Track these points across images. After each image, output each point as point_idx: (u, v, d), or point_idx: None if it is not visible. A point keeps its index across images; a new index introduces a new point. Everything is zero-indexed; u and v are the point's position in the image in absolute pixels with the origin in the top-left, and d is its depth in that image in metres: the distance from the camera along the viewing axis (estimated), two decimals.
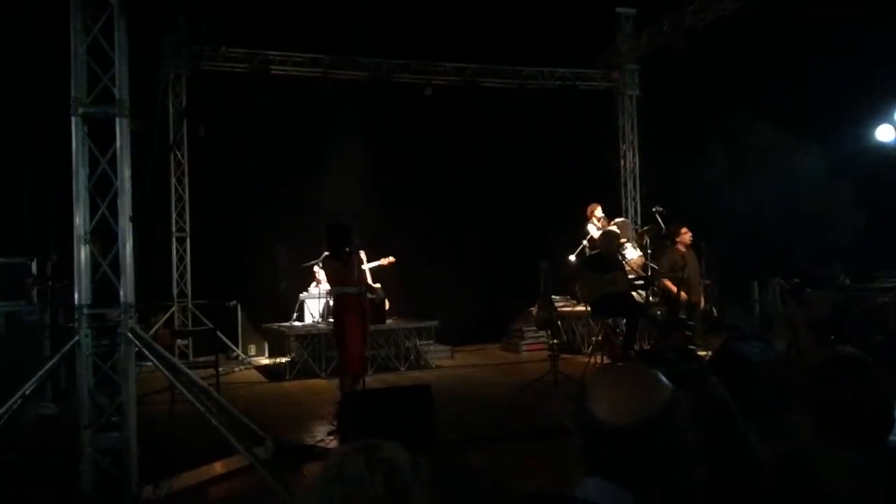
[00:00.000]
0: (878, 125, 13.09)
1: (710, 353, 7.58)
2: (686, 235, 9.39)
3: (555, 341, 8.48)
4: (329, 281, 7.56)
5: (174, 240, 10.97)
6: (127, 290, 4.44)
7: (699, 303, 9.31)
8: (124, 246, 4.48)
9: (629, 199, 12.75)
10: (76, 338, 4.37)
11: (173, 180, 10.95)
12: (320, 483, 1.32)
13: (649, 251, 9.73)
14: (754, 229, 16.50)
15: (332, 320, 7.53)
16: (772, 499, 1.91)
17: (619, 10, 12.48)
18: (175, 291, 10.87)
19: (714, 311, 9.47)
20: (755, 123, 17.86)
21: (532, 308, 10.43)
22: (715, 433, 1.63)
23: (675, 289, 8.81)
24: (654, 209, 9.90)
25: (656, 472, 1.31)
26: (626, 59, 12.56)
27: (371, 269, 9.48)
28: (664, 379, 1.38)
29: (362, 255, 9.01)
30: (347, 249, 6.96)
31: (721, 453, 1.69)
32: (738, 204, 17.07)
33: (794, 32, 14.47)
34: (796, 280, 10.10)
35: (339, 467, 1.31)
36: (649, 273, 9.26)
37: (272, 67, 11.12)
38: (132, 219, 4.54)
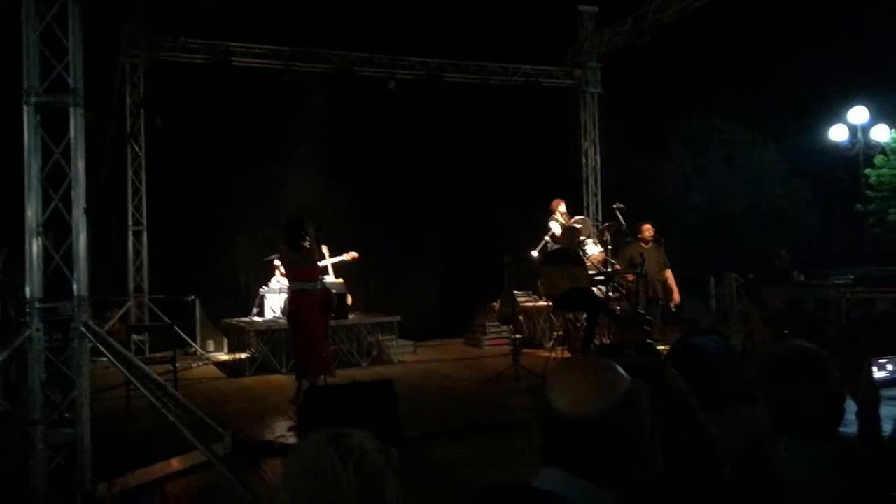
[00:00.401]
0: (831, 125, 13.44)
1: (667, 347, 7.70)
2: (647, 231, 9.52)
3: (517, 336, 8.53)
4: (286, 276, 7.50)
5: (130, 233, 10.73)
6: (80, 284, 4.32)
7: (657, 298, 9.44)
8: (78, 238, 4.36)
9: (590, 196, 12.87)
10: (27, 332, 4.25)
11: (130, 172, 10.71)
12: (293, 473, 1.32)
13: (610, 247, 9.85)
14: (711, 226, 16.86)
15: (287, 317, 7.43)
16: (731, 490, 1.95)
17: (581, 7, 12.59)
18: (131, 286, 10.64)
19: (672, 306, 9.61)
20: (714, 122, 18.23)
21: (494, 303, 10.48)
22: (674, 425, 1.65)
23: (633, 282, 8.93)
24: (614, 206, 10.01)
25: (614, 463, 1.32)
26: (588, 56, 12.67)
27: (334, 264, 9.42)
28: (623, 371, 1.40)
29: (325, 249, 8.97)
30: (305, 244, 6.94)
31: (681, 445, 1.72)
32: (695, 201, 17.42)
33: (751, 34, 14.79)
34: (751, 276, 10.30)
35: (311, 456, 1.31)
36: (609, 269, 9.37)
37: (233, 59, 10.96)
38: (86, 211, 4.42)
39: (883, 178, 15.55)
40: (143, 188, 10.81)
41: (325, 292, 7.25)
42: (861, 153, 13.03)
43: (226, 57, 10.89)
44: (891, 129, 14.60)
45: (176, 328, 9.35)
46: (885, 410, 2.78)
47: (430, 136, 11.95)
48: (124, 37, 10.05)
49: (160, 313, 10.52)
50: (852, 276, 10.13)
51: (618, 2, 11.94)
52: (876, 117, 13.13)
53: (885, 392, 2.73)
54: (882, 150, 14.86)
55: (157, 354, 9.33)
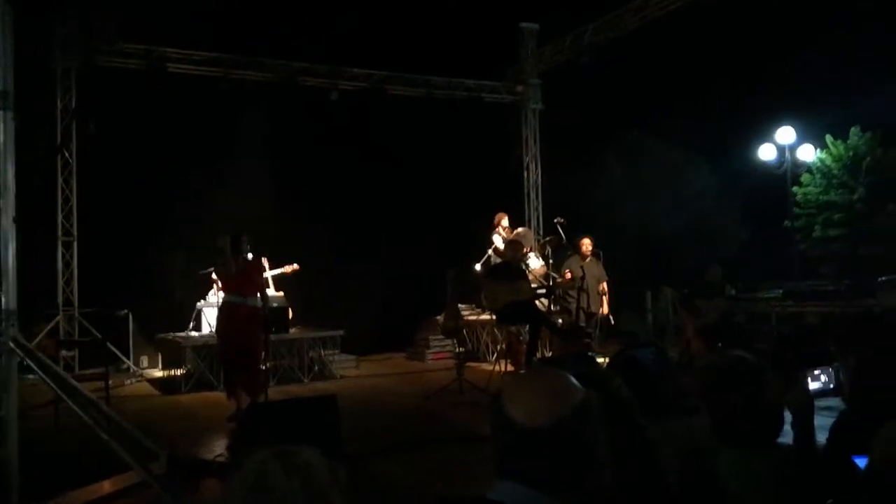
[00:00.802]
0: (760, 145, 13.99)
1: (607, 359, 7.84)
2: (585, 246, 9.66)
3: (460, 350, 8.54)
4: (223, 288, 7.32)
5: (60, 244, 10.32)
6: (9, 297, 4.14)
7: (598, 312, 9.60)
8: (7, 249, 4.17)
9: (532, 210, 13.04)
10: None
11: (60, 181, 10.31)
12: (236, 491, 1.28)
13: (551, 261, 9.98)
14: (646, 241, 17.28)
15: (227, 331, 7.16)
16: (676, 500, 1.98)
17: (522, 24, 12.80)
18: (60, 299, 10.21)
19: (611, 319, 9.79)
20: (648, 141, 18.75)
21: (438, 317, 10.47)
22: (621, 434, 1.67)
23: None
24: (555, 220, 10.15)
25: (569, 473, 1.33)
26: (529, 73, 12.87)
27: (274, 277, 9.25)
28: (576, 381, 1.41)
29: (264, 261, 8.81)
30: (240, 258, 6.86)
31: (627, 454, 1.74)
32: (632, 216, 17.84)
33: (684, 55, 15.28)
34: (686, 290, 10.58)
35: (255, 475, 1.28)
36: (551, 283, 9.49)
37: (170, 65, 10.70)
38: (16, 220, 4.23)
39: (809, 196, 16.25)
40: (74, 197, 10.42)
41: (259, 308, 7.05)
42: (789, 172, 13.58)
43: (162, 63, 10.63)
44: (816, 149, 15.30)
45: (108, 343, 9.01)
46: (819, 420, 2.89)
47: (372, 149, 11.90)
48: (57, 40, 9.72)
49: (91, 328, 10.13)
50: (781, 291, 10.53)
51: (559, 20, 12.19)
52: (803, 137, 13.73)
53: (818, 402, 2.83)
54: (808, 169, 15.54)
55: (88, 371, 8.97)
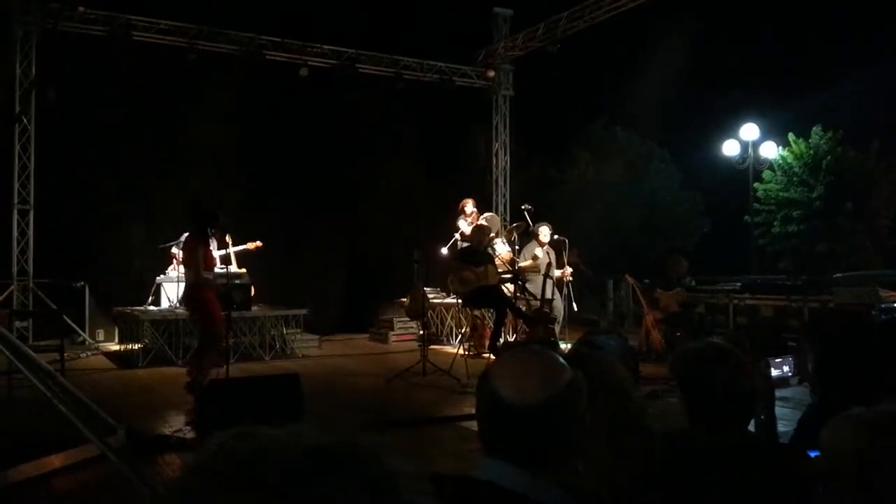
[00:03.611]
0: (724, 140, 14.21)
1: (570, 345, 7.91)
2: (543, 234, 9.44)
3: (425, 332, 8.53)
4: (189, 263, 7.11)
5: (15, 212, 10.01)
6: None
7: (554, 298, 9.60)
8: None
9: (500, 196, 13.06)
10: None
11: (17, 147, 9.98)
12: (192, 477, 1.22)
13: (517, 247, 9.99)
14: (609, 230, 17.50)
15: (195, 306, 7.02)
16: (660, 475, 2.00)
17: (496, 9, 12.74)
18: (15, 269, 9.92)
19: (574, 306, 9.86)
20: (615, 132, 18.94)
21: (403, 299, 10.44)
22: (622, 415, 1.68)
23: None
24: (522, 207, 10.16)
25: (556, 452, 1.33)
26: (501, 58, 12.84)
27: (236, 253, 9.10)
28: (564, 360, 1.40)
29: (227, 238, 8.67)
30: (212, 232, 6.74)
31: (620, 431, 1.76)
32: (595, 206, 18.03)
33: (652, 48, 15.44)
34: (647, 280, 10.73)
35: (213, 459, 1.21)
36: (516, 268, 9.50)
37: (134, 33, 10.41)
38: None
39: (770, 193, 16.59)
40: (32, 165, 10.11)
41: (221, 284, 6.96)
42: (751, 168, 13.83)
43: (126, 30, 10.34)
44: (779, 146, 15.61)
45: (63, 315, 8.78)
46: (777, 410, 2.96)
47: (339, 127, 11.78)
48: (17, 3, 9.37)
49: (46, 299, 9.87)
50: (739, 283, 10.75)
51: (533, 7, 12.19)
52: (766, 135, 13.99)
53: (779, 391, 2.90)
54: (770, 165, 15.85)
55: (42, 343, 8.73)
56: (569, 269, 9.31)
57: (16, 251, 9.98)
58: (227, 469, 0.83)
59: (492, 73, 12.83)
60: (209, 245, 6.88)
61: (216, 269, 7.47)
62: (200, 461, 1.25)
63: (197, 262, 6.69)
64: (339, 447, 0.69)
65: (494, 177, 13.08)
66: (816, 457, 1.79)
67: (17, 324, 9.46)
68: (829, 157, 16.06)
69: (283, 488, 0.67)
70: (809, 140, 16.35)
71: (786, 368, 5.01)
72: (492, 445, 1.35)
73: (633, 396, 1.69)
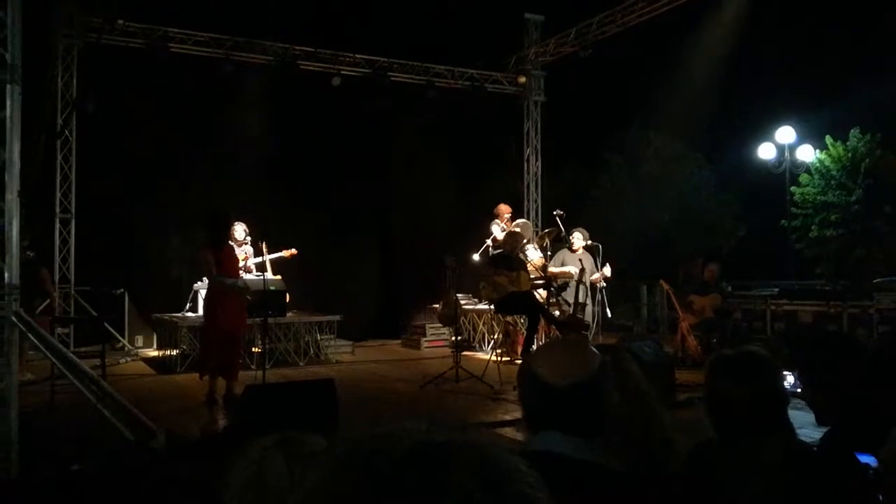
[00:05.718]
0: (760, 143, 14.02)
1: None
2: (575, 240, 9.35)
3: (457, 338, 8.55)
4: (199, 270, 7.28)
5: (57, 221, 10.28)
6: (12, 272, 4.11)
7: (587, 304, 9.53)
8: (11, 224, 4.15)
9: (531, 202, 13.04)
10: None
11: (59, 158, 10.26)
12: (237, 482, 1.25)
13: (549, 253, 9.96)
14: (643, 235, 17.34)
15: (217, 313, 7.04)
16: (680, 489, 2.00)
17: (527, 15, 12.74)
18: (57, 276, 10.18)
19: (608, 312, 9.79)
20: (649, 136, 18.76)
21: (436, 305, 10.47)
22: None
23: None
24: (555, 212, 10.12)
25: (593, 422, 1.57)
26: (532, 64, 12.84)
27: (272, 261, 9.24)
28: (595, 349, 1.68)
29: (263, 245, 8.83)
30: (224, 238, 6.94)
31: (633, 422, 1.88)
32: (629, 211, 17.89)
33: (685, 52, 15.28)
34: (682, 285, 10.62)
35: (258, 465, 1.24)
36: (548, 274, 9.46)
37: (171, 45, 10.63)
38: (20, 195, 4.21)
39: (807, 197, 16.28)
40: (73, 175, 10.38)
41: (244, 290, 7.03)
42: (788, 171, 13.62)
43: (164, 43, 10.56)
44: (816, 149, 15.34)
45: (104, 322, 8.99)
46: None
47: (373, 135, 11.88)
48: (59, 17, 9.64)
49: (87, 305, 10.11)
50: (777, 289, 10.59)
51: (564, 12, 12.16)
52: (802, 138, 13.77)
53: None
54: (807, 169, 15.59)
55: (82, 349, 8.95)
56: (607, 270, 9.02)
57: (57, 259, 10.24)
58: (377, 467, 0.84)
59: (523, 79, 12.83)
60: (222, 251, 6.95)
61: (252, 276, 7.64)
62: (239, 468, 1.28)
63: (205, 268, 6.85)
64: (459, 442, 0.71)
65: (526, 182, 13.06)
66: (876, 468, 1.78)
67: (59, 330, 9.71)
68: (867, 160, 15.71)
69: (421, 486, 0.67)
70: (847, 143, 16.03)
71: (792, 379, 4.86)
72: (535, 423, 1.60)
73: (657, 414, 1.78)
